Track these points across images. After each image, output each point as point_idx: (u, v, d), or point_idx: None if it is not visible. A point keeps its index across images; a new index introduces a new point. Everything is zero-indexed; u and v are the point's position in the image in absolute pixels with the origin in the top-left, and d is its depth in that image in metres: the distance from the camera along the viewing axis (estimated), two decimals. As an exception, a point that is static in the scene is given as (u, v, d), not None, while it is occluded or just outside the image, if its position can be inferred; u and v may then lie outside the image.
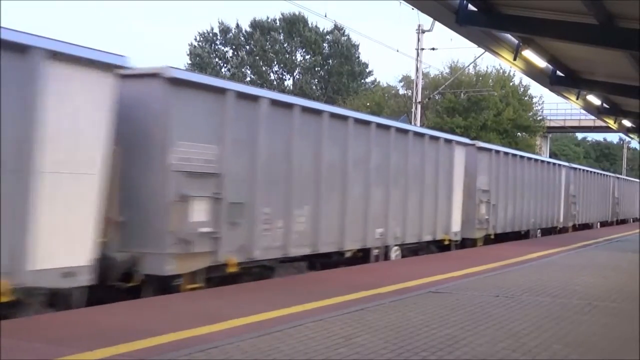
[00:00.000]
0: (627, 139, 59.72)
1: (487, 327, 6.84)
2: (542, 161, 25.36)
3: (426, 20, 32.09)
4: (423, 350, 5.75)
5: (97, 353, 5.37)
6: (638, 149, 78.34)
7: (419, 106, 33.79)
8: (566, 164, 29.03)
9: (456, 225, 16.92)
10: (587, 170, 32.06)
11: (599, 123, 37.29)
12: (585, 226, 30.53)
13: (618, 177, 39.62)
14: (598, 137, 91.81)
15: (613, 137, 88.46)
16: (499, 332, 6.65)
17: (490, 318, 7.37)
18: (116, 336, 5.94)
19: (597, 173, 34.03)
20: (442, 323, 6.96)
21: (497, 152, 20.26)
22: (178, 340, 5.91)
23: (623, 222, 38.64)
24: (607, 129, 45.56)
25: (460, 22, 11.25)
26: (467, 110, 43.31)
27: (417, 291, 9.14)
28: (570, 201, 27.75)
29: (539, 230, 24.03)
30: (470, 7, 11.17)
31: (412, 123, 32.13)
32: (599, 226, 32.89)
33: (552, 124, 53.84)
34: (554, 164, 26.59)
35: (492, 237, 19.48)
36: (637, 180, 47.02)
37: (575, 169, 29.59)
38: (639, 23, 10.19)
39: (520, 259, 14.40)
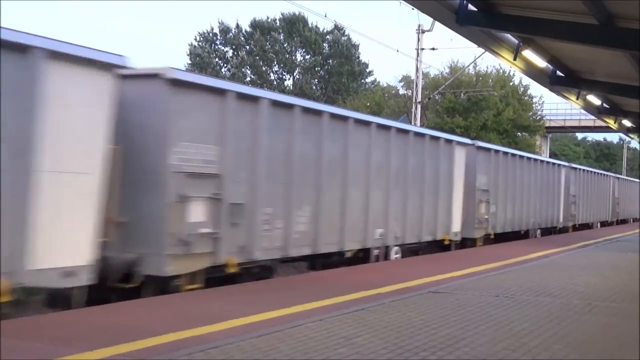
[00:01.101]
0: (627, 139, 59.78)
1: (487, 327, 6.84)
2: (419, 133, 15.70)
3: (426, 20, 32.12)
4: (423, 350, 5.75)
5: (97, 353, 5.37)
6: (638, 149, 78.43)
7: (419, 106, 33.78)
8: (466, 141, 18.51)
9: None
10: (512, 154, 21.58)
11: (599, 123, 37.15)
12: (526, 234, 22.67)
13: (574, 168, 29.35)
14: (598, 137, 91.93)
15: (613, 137, 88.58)
16: (499, 332, 6.65)
17: (490, 318, 7.37)
18: (116, 336, 5.94)
19: (540, 160, 24.83)
20: (442, 323, 6.95)
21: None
22: (178, 340, 5.91)
23: (586, 227, 30.31)
24: (607, 129, 45.60)
25: (460, 22, 11.27)
26: (467, 110, 43.29)
27: (417, 291, 9.14)
28: (479, 199, 18.38)
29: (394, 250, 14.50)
30: (470, 7, 11.19)
31: (412, 123, 32.08)
32: (539, 234, 23.88)
33: (552, 124, 53.80)
34: (448, 139, 16.88)
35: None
36: (608, 173, 38.73)
37: (488, 149, 19.51)
38: (639, 23, 10.19)
39: (520, 259, 14.39)
